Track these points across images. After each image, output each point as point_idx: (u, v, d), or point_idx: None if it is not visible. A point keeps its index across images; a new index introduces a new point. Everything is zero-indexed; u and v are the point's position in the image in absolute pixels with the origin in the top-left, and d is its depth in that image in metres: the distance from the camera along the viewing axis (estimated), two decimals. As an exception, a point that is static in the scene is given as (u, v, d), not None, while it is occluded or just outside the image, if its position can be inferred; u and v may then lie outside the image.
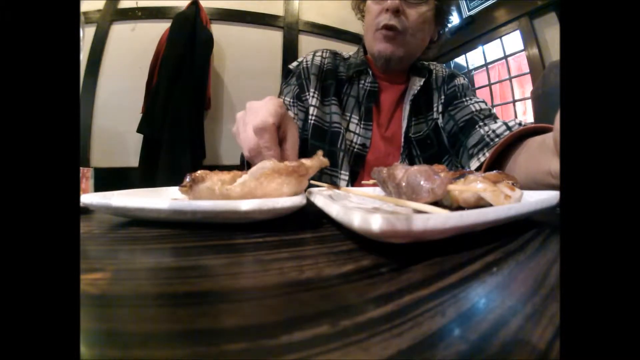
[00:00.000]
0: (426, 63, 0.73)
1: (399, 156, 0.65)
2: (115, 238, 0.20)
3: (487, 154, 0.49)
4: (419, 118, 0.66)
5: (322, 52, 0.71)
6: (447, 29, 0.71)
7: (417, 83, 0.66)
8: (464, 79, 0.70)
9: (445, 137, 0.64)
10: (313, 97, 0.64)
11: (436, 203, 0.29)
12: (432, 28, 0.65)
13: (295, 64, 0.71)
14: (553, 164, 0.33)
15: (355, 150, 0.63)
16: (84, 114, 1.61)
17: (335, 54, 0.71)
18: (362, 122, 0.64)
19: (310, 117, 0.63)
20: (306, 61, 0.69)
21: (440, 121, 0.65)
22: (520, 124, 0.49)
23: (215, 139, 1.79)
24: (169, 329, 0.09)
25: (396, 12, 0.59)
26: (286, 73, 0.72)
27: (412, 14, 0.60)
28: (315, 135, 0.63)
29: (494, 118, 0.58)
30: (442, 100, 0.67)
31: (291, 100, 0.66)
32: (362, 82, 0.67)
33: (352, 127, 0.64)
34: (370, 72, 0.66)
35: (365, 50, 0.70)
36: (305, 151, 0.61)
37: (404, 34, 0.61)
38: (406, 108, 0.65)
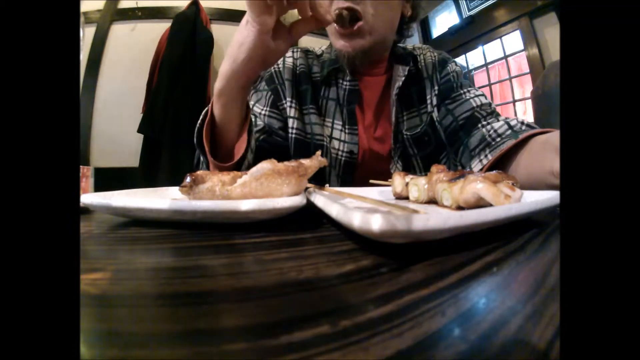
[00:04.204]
0: (410, 47, 0.64)
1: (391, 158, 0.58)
2: (115, 238, 0.20)
3: (490, 156, 0.46)
4: (411, 111, 0.59)
5: (292, 52, 0.62)
6: (418, 1, 0.60)
7: (401, 72, 0.58)
8: (457, 65, 0.63)
9: (443, 133, 0.58)
10: (291, 107, 0.58)
11: (435, 203, 0.29)
12: (400, 2, 0.55)
13: None
14: (555, 164, 0.33)
15: (343, 159, 0.58)
16: (84, 114, 1.61)
17: (307, 52, 0.63)
18: (347, 127, 0.58)
19: (290, 130, 0.58)
20: (277, 64, 0.60)
21: (435, 115, 0.59)
22: (522, 123, 0.47)
23: (215, 139, 1.79)
24: (169, 329, 0.09)
25: None
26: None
27: None
28: (298, 150, 0.57)
29: (496, 115, 0.53)
30: (436, 92, 0.60)
31: (265, 109, 0.58)
32: (340, 81, 0.59)
33: (335, 133, 0.58)
34: (347, 69, 0.57)
35: None
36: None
37: (364, 20, 0.49)
38: (393, 103, 0.58)
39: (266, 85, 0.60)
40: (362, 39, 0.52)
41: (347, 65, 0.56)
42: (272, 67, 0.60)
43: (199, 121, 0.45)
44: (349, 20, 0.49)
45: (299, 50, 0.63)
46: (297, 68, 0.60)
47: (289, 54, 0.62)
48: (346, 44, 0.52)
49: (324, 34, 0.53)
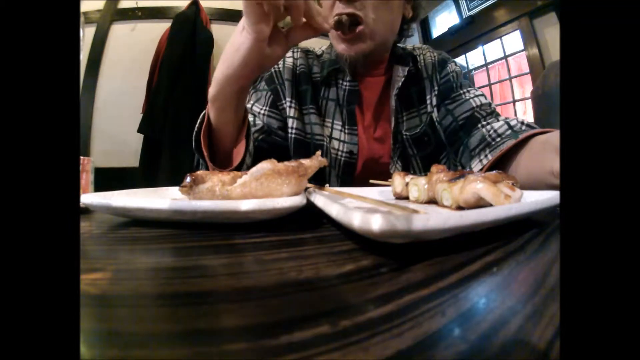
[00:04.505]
0: (409, 47, 0.65)
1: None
2: (115, 238, 0.20)
3: (490, 156, 0.46)
4: (411, 112, 0.60)
5: (292, 52, 0.63)
6: (419, 2, 0.61)
7: (401, 73, 0.58)
8: (456, 65, 0.63)
9: (443, 133, 0.58)
10: (290, 107, 0.58)
11: (435, 203, 0.29)
12: (401, 4, 0.56)
13: None
14: (556, 164, 0.33)
15: (342, 159, 0.58)
16: (84, 114, 1.61)
17: (307, 52, 0.64)
18: (346, 127, 0.58)
19: (290, 130, 0.58)
20: (277, 64, 0.59)
21: (435, 115, 0.59)
22: (522, 123, 0.47)
23: (215, 139, 1.79)
24: (169, 329, 0.09)
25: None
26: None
27: None
28: (298, 150, 0.58)
29: (496, 115, 0.53)
30: (436, 92, 0.60)
31: (264, 109, 0.58)
32: (340, 81, 0.59)
33: (335, 134, 0.58)
34: (347, 70, 0.58)
35: None
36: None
37: (365, 24, 0.50)
38: (392, 103, 0.58)
39: (266, 85, 0.60)
40: (363, 42, 0.52)
41: (348, 67, 0.57)
42: (273, 67, 0.61)
43: (196, 126, 0.45)
44: (349, 25, 0.49)
45: (299, 50, 0.64)
46: (297, 68, 0.61)
47: (289, 54, 0.62)
48: (347, 47, 0.53)
49: (324, 35, 0.53)
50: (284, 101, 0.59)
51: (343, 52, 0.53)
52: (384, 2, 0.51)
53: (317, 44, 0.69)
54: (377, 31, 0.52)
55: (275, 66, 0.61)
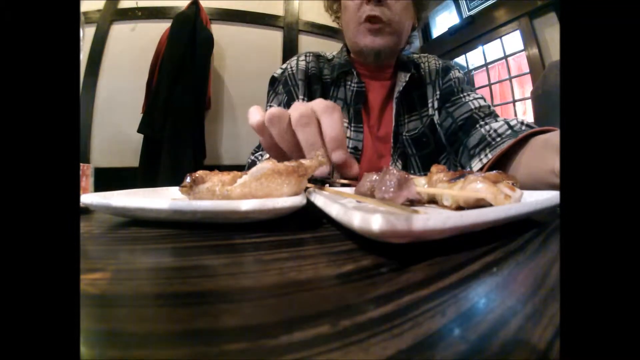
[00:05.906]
0: (416, 55, 0.71)
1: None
2: (115, 238, 0.20)
3: (490, 155, 0.47)
4: (413, 115, 0.64)
5: (305, 55, 0.69)
6: (425, 14, 0.69)
7: (403, 78, 0.64)
8: (460, 72, 0.67)
9: (443, 134, 0.62)
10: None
11: (435, 203, 0.29)
12: (412, 14, 0.64)
13: (279, 71, 0.69)
14: (557, 163, 0.33)
15: None
16: (84, 113, 1.62)
17: (318, 56, 0.70)
18: (352, 125, 0.62)
19: None
20: (291, 67, 0.67)
21: (436, 118, 0.63)
22: (522, 123, 0.48)
23: (215, 139, 1.79)
24: (169, 329, 0.09)
25: (379, 1, 0.56)
26: (271, 81, 0.69)
27: (393, 1, 0.58)
28: None
29: (495, 116, 0.56)
30: (438, 96, 0.64)
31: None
32: (349, 83, 0.65)
33: None
34: (355, 72, 0.64)
35: (348, 49, 0.68)
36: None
37: (389, 24, 0.59)
38: (394, 106, 0.63)
39: (282, 87, 0.66)
40: (386, 37, 0.60)
41: (371, 61, 0.62)
42: (287, 71, 0.67)
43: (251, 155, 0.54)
44: (376, 21, 0.58)
45: (311, 54, 0.69)
46: (309, 70, 0.67)
47: (302, 57, 0.68)
48: (375, 39, 0.59)
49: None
50: (297, 100, 0.64)
51: (371, 44, 0.60)
52: (405, 6, 0.59)
53: (328, 49, 0.75)
54: (398, 30, 0.60)
55: (289, 69, 0.67)
